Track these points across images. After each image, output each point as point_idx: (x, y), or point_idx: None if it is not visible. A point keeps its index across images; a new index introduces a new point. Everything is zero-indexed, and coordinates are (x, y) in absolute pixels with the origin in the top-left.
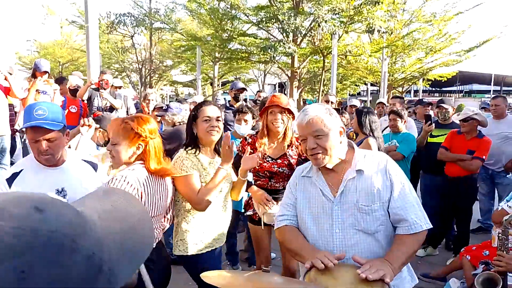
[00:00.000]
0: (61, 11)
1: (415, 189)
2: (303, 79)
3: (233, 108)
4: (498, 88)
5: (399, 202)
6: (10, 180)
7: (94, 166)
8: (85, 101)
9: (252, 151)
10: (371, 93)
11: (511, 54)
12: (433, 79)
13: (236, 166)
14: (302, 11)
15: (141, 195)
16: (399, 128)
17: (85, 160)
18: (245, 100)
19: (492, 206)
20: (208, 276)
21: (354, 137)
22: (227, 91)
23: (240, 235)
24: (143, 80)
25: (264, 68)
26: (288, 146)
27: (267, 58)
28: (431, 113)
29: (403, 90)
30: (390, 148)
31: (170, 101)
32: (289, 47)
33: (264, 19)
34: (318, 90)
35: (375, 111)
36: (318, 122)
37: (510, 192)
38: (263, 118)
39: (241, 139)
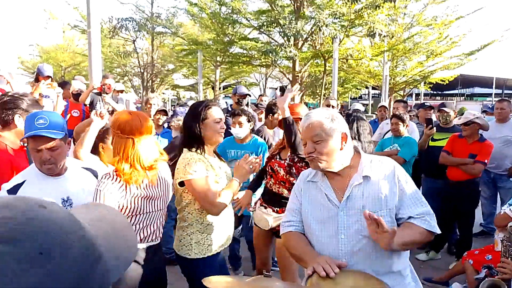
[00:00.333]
0: (63, 15)
1: None
2: (305, 83)
3: None
4: (499, 91)
5: (417, 210)
6: (13, 192)
7: (95, 173)
8: (88, 106)
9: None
10: (372, 97)
11: None
12: (434, 83)
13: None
14: (303, 15)
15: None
16: (401, 132)
17: (85, 168)
18: (246, 104)
19: (495, 210)
20: (209, 280)
21: None
22: (229, 95)
23: (242, 240)
24: (145, 84)
25: (266, 72)
26: None
27: (269, 62)
28: (433, 116)
29: (405, 94)
30: (391, 152)
31: (172, 105)
32: (290, 51)
33: (265, 23)
34: (319, 93)
35: (377, 114)
36: (317, 127)
37: None
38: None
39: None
